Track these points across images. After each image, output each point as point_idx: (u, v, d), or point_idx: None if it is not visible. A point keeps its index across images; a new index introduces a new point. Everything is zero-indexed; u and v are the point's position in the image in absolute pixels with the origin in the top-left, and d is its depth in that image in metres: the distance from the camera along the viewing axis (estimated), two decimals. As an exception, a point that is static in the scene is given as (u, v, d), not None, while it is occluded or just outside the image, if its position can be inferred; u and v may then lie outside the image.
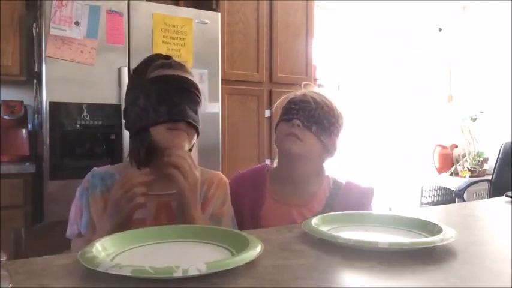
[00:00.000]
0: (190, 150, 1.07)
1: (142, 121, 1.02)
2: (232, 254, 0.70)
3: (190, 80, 1.06)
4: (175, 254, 0.74)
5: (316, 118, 1.20)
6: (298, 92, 1.27)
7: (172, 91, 1.02)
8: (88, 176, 1.09)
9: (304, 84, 1.32)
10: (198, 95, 1.07)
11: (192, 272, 0.58)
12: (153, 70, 1.06)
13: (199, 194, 1.08)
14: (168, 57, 1.11)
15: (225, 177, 1.17)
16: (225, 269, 0.61)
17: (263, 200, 1.24)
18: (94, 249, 0.68)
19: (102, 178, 1.07)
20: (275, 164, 1.32)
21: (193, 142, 1.08)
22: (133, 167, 1.05)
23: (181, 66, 1.08)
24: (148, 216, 1.02)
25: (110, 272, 0.59)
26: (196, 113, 1.05)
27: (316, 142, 1.21)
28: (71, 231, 1.07)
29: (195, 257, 0.72)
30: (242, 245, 0.71)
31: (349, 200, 1.22)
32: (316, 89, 1.29)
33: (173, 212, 1.03)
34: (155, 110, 1.01)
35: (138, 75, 1.09)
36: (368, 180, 1.35)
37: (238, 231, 0.81)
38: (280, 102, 1.30)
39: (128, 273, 0.58)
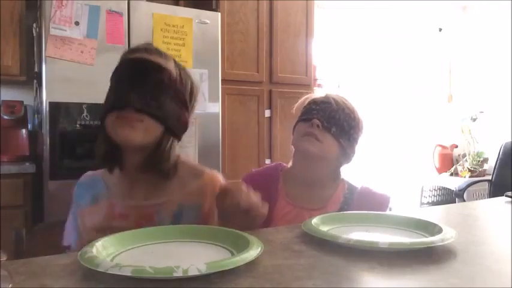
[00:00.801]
0: (160, 146, 0.93)
1: (100, 113, 0.93)
2: (233, 254, 0.70)
3: (149, 61, 0.91)
4: (176, 254, 0.74)
5: (336, 119, 1.16)
6: (319, 93, 1.24)
7: (124, 75, 0.91)
8: (75, 188, 1.05)
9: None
10: (162, 77, 0.91)
11: (192, 272, 0.58)
12: (120, 60, 0.98)
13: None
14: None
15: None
16: (225, 269, 0.61)
17: (275, 201, 1.20)
18: (94, 249, 0.68)
19: (87, 187, 1.03)
20: (289, 164, 1.28)
21: (154, 133, 0.92)
22: (108, 177, 0.99)
23: (146, 49, 0.95)
24: (130, 228, 0.96)
25: (110, 272, 0.59)
26: (155, 98, 0.89)
27: (335, 144, 1.16)
28: (68, 242, 1.03)
29: (195, 257, 0.72)
30: (243, 245, 0.71)
31: (363, 207, 1.15)
32: (337, 92, 1.27)
33: (155, 224, 0.93)
34: (108, 98, 0.91)
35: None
36: (383, 186, 1.32)
37: (239, 232, 0.80)
38: (300, 103, 1.26)
39: (128, 273, 0.58)
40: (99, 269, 0.60)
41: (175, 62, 0.99)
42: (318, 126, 1.14)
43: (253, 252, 0.67)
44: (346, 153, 1.20)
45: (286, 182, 1.24)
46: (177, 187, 0.99)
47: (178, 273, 0.58)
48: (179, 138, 0.99)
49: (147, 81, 0.89)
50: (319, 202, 1.19)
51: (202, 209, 0.99)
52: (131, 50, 0.99)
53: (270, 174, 1.27)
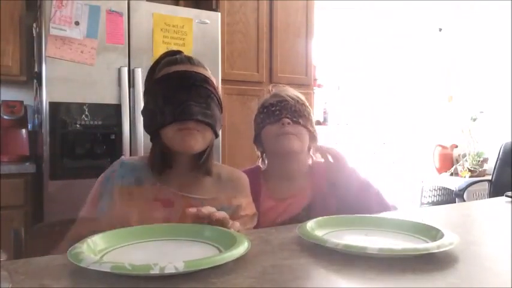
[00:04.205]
0: (205, 150, 1.02)
1: (152, 125, 1.00)
2: (221, 252, 0.71)
3: (196, 73, 1.00)
4: (167, 252, 0.75)
5: (299, 112, 1.26)
6: (268, 95, 1.32)
7: (176, 89, 0.97)
8: (116, 165, 1.06)
9: (272, 86, 1.38)
10: (209, 87, 1.00)
11: (169, 270, 0.59)
12: (160, 70, 1.03)
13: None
14: (177, 52, 1.07)
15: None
16: (202, 268, 0.62)
17: (258, 198, 1.26)
18: (84, 245, 0.70)
19: (132, 169, 1.04)
20: (264, 166, 1.36)
21: (209, 140, 1.02)
22: (153, 172, 1.03)
23: (188, 59, 1.03)
24: (174, 217, 0.99)
25: (91, 267, 0.61)
26: (208, 108, 0.98)
27: (306, 133, 1.28)
28: (81, 212, 1.03)
29: (184, 255, 0.72)
30: (232, 245, 0.71)
31: (329, 174, 1.24)
32: (280, 87, 1.35)
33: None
34: (161, 111, 0.97)
35: (148, 77, 1.07)
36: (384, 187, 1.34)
37: (229, 231, 0.81)
38: (256, 113, 1.34)
39: (107, 269, 0.59)
40: (82, 265, 0.62)
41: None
42: (288, 123, 1.23)
43: (236, 252, 0.67)
44: (314, 136, 1.31)
45: (267, 180, 1.32)
46: (218, 187, 1.07)
47: (155, 271, 0.59)
48: (217, 137, 1.07)
49: (200, 93, 0.98)
50: (300, 188, 1.28)
51: (238, 210, 1.05)
52: (170, 62, 1.03)
53: (252, 175, 1.31)
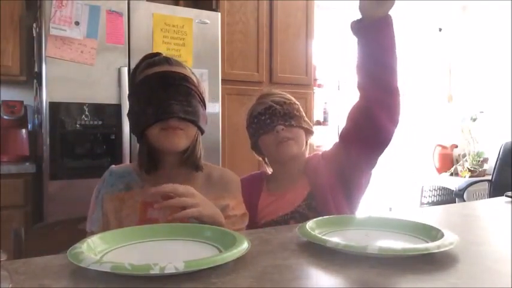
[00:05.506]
0: (188, 148, 1.04)
1: (137, 126, 1.03)
2: (221, 252, 0.71)
3: (174, 73, 1.02)
4: (166, 252, 0.75)
5: (289, 114, 1.26)
6: (256, 104, 1.32)
7: (156, 89, 0.99)
8: (105, 174, 1.09)
9: (258, 91, 1.39)
10: (188, 85, 1.02)
11: (169, 270, 0.59)
12: (140, 72, 1.05)
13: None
14: (156, 54, 1.09)
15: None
16: (202, 268, 0.62)
17: (258, 196, 1.29)
18: (85, 245, 0.70)
19: (120, 176, 1.07)
20: (269, 170, 1.38)
21: (193, 136, 1.04)
22: (142, 172, 1.05)
23: (166, 60, 1.05)
24: (163, 217, 1.01)
25: (91, 267, 0.61)
26: (190, 105, 1.01)
27: (302, 132, 1.28)
28: (90, 229, 1.06)
29: (184, 255, 0.72)
30: (231, 244, 0.72)
31: (317, 164, 1.28)
32: (265, 91, 1.35)
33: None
34: (145, 113, 0.99)
35: (131, 81, 1.09)
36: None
37: (229, 231, 0.82)
38: (247, 122, 1.36)
39: (107, 269, 0.59)
40: (82, 265, 0.62)
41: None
42: (282, 129, 1.23)
43: (236, 252, 0.67)
44: (309, 131, 1.33)
45: (269, 181, 1.34)
46: (207, 186, 1.07)
47: (155, 271, 0.59)
48: (203, 133, 1.09)
49: (180, 92, 1.00)
50: (296, 181, 1.29)
51: (225, 210, 1.04)
52: (149, 64, 1.05)
53: (255, 177, 1.37)
